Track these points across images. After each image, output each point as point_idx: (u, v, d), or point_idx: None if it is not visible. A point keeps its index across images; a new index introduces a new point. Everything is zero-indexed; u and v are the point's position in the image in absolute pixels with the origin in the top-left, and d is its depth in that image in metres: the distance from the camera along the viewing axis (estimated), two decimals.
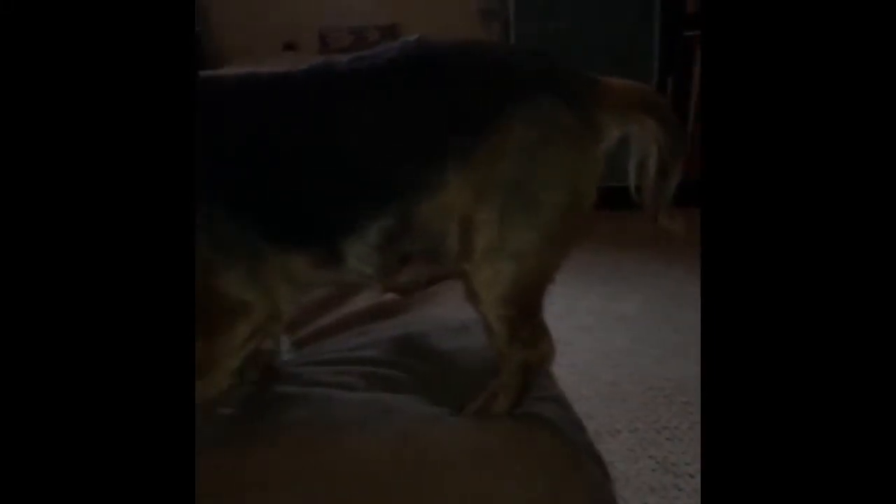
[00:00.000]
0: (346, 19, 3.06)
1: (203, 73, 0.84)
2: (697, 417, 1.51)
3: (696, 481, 1.34)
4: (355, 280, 0.83)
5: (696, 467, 1.37)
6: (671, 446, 1.46)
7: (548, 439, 0.77)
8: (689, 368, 1.69)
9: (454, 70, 0.77)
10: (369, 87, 0.76)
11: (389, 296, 1.09)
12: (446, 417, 0.80)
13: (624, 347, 1.85)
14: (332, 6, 3.06)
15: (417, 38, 0.80)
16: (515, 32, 2.65)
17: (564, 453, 0.76)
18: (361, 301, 1.11)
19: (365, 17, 3.05)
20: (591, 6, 2.60)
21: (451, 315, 1.01)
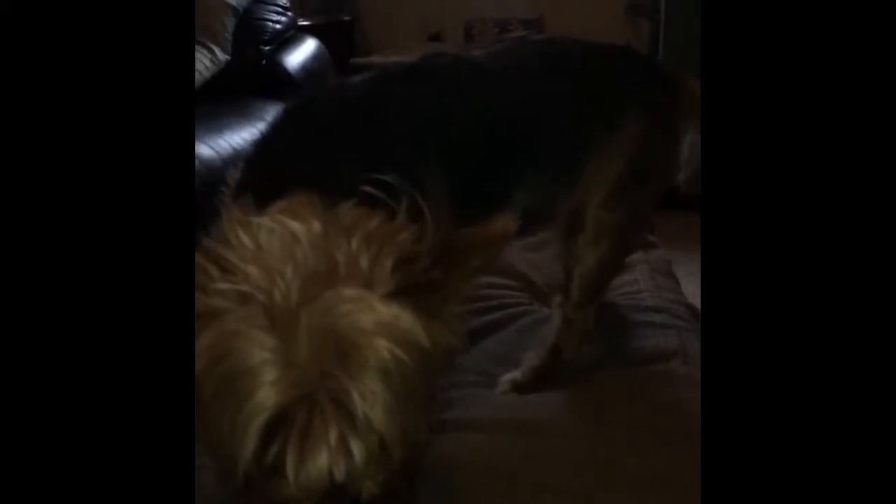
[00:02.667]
0: (491, 12, 3.09)
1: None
2: None
3: None
4: None
5: None
6: None
7: None
8: None
9: (587, 67, 0.84)
10: (522, 83, 0.80)
11: None
12: None
13: None
14: None
15: (537, 36, 0.86)
16: (665, 29, 2.59)
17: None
18: None
19: (510, 10, 3.07)
20: None
21: None
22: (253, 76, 2.29)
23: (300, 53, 2.44)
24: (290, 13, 2.48)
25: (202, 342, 0.50)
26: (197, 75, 2.13)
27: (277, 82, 2.30)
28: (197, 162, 1.85)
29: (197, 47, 2.17)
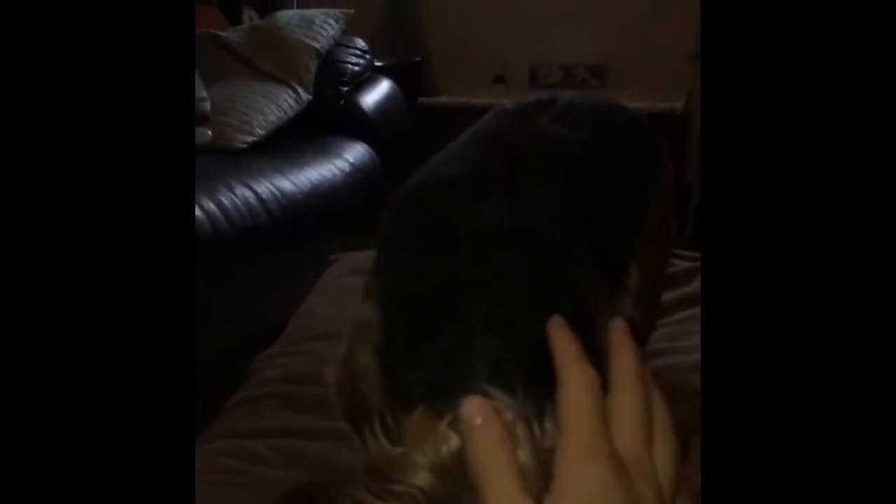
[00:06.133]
0: (556, 56, 3.18)
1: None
2: None
3: None
4: None
5: None
6: None
7: None
8: None
9: (630, 129, 0.82)
10: (592, 155, 0.75)
11: None
12: None
13: None
14: (544, 42, 3.20)
15: (568, 102, 0.81)
16: None
17: None
18: None
19: (576, 56, 3.16)
20: None
21: None
22: (332, 115, 2.43)
23: (376, 94, 2.57)
24: (367, 56, 2.62)
25: None
26: (282, 113, 2.27)
27: (355, 121, 2.44)
28: (279, 195, 1.98)
29: (283, 87, 2.31)
